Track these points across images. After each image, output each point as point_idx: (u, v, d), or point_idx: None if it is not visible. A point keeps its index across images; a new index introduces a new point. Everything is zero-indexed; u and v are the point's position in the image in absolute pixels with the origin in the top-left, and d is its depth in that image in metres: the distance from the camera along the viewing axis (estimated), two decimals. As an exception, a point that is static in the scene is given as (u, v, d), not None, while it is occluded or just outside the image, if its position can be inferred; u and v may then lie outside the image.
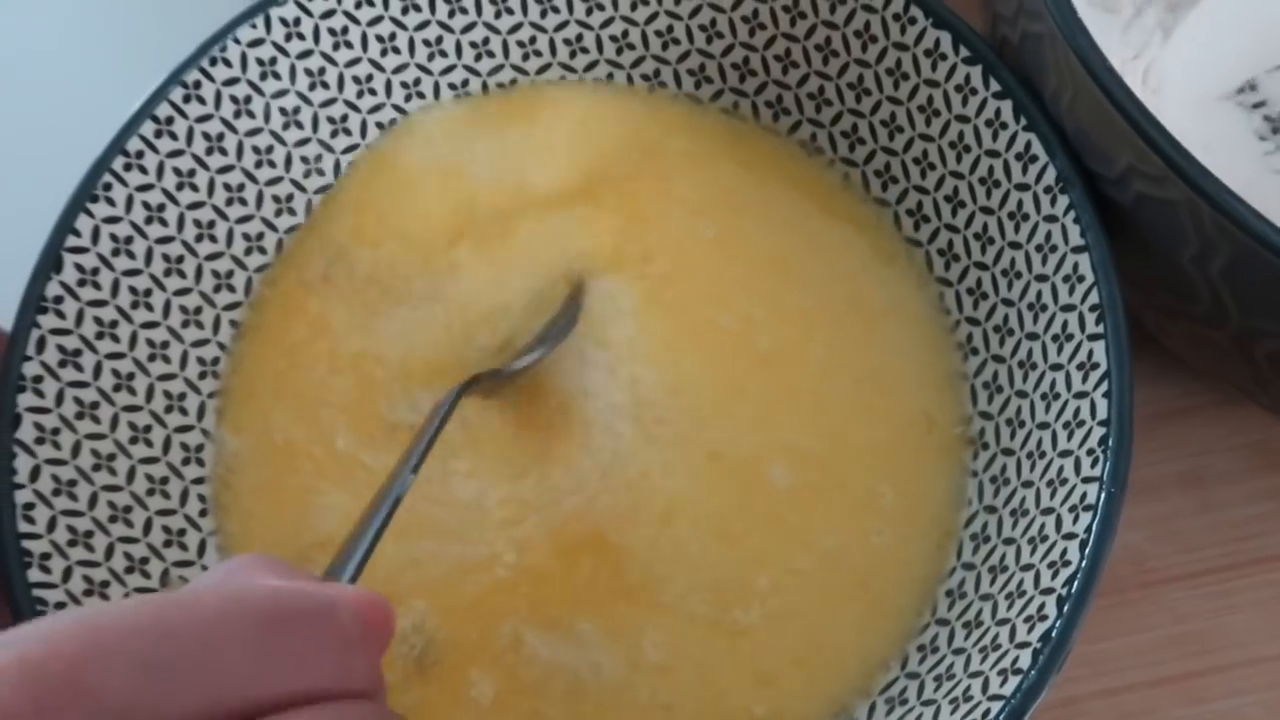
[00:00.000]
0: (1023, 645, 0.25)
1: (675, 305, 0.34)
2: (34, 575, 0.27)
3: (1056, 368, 0.28)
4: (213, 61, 0.33)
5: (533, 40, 0.37)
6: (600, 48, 0.38)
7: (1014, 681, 0.24)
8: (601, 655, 0.29)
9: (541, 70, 0.38)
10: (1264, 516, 0.35)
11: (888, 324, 0.33)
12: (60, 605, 0.27)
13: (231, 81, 0.34)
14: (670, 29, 0.37)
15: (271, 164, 0.36)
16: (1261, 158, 0.35)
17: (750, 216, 0.35)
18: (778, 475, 0.30)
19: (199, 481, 0.33)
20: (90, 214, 0.31)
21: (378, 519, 0.22)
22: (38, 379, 0.30)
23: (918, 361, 0.32)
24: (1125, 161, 0.26)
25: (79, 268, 0.31)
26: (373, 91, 0.37)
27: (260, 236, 0.36)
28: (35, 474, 0.29)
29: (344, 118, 0.37)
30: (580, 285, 0.34)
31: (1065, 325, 0.28)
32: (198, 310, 0.34)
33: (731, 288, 0.34)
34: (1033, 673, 0.24)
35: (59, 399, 0.30)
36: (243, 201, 0.35)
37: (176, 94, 0.33)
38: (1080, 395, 0.27)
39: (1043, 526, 0.27)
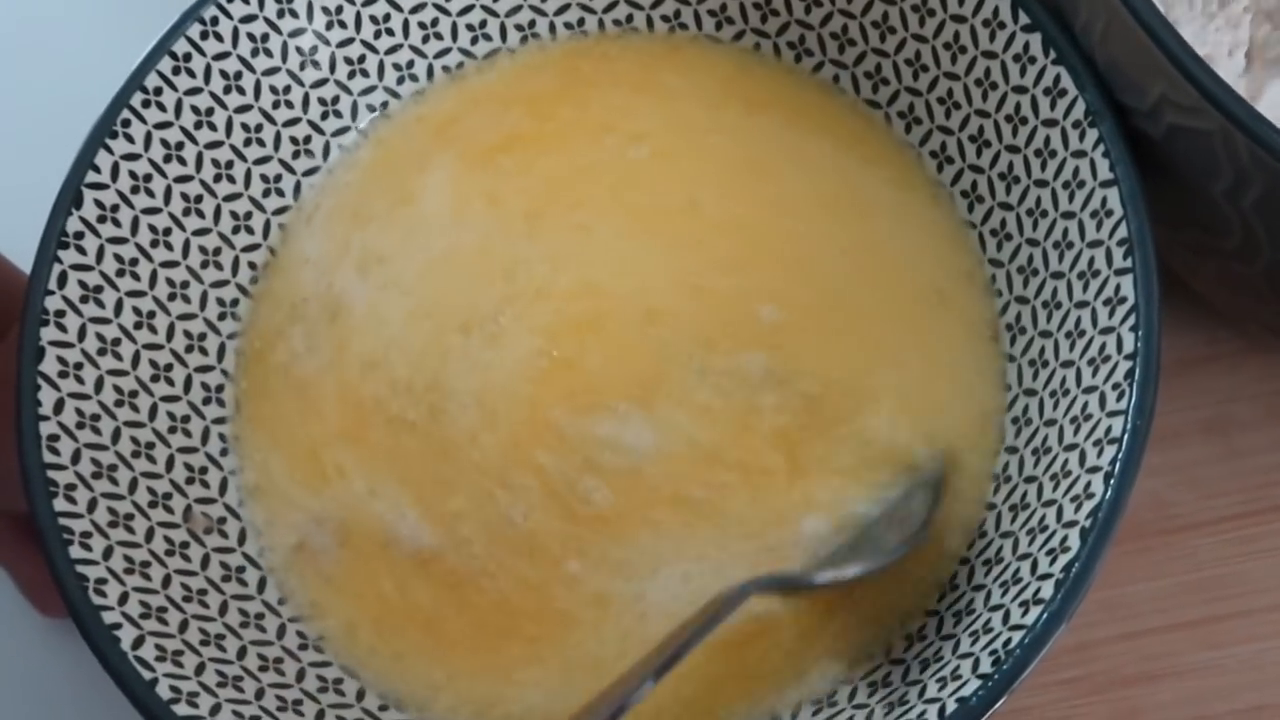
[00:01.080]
0: (1045, 577, 0.25)
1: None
2: (60, 505, 0.27)
3: (1082, 305, 0.28)
4: (230, -2, 0.33)
5: (552, -20, 0.37)
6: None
7: (1035, 611, 0.24)
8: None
9: (560, 10, 0.38)
10: (1288, 463, 0.35)
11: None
12: (86, 535, 0.27)
13: (248, 19, 0.34)
14: (692, -32, 0.36)
15: (289, 104, 0.36)
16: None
17: (778, 159, 0.35)
18: (766, 313, 0.31)
19: (220, 421, 0.33)
20: (109, 150, 0.31)
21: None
22: (60, 313, 0.30)
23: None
24: (1158, 92, 0.26)
25: (99, 204, 0.31)
26: (390, 33, 0.37)
27: (278, 179, 0.36)
28: (59, 406, 0.29)
29: (361, 59, 0.37)
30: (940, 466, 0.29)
31: (1092, 261, 0.28)
32: (217, 251, 0.34)
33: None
34: (1056, 601, 0.23)
35: (81, 334, 0.30)
36: (260, 143, 0.35)
37: (194, 30, 0.33)
38: (1106, 331, 0.27)
39: (1066, 463, 0.27)
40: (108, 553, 0.27)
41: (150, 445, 0.31)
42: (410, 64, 0.37)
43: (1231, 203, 0.25)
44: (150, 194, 0.32)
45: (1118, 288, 0.26)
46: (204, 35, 0.33)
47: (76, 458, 0.28)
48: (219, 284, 0.34)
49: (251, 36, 0.34)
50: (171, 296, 0.33)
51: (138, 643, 0.26)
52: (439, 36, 0.37)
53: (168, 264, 0.33)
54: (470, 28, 0.38)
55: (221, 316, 0.34)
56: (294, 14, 0.35)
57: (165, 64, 0.32)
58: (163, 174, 0.33)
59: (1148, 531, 0.35)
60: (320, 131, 0.37)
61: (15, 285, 0.39)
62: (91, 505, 0.28)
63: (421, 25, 0.37)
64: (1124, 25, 0.26)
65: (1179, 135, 0.26)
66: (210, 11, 0.33)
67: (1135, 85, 0.27)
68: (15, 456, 0.34)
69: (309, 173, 0.36)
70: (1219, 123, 0.24)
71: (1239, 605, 0.34)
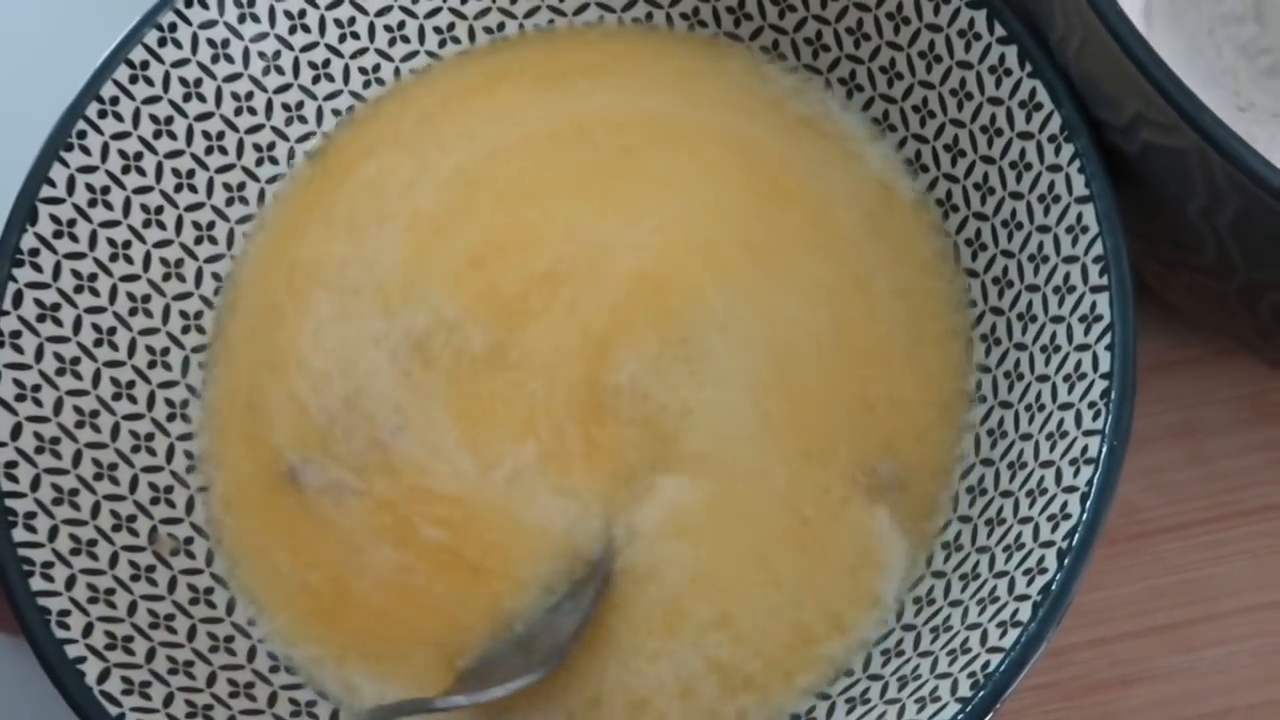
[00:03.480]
0: (1022, 598, 0.25)
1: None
2: (19, 535, 0.26)
3: (1057, 320, 0.28)
4: (188, 3, 0.32)
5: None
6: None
7: (1014, 633, 0.24)
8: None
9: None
10: (1255, 468, 0.35)
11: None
12: (47, 565, 0.27)
13: (208, 24, 0.33)
14: (664, -29, 0.36)
15: (252, 111, 0.35)
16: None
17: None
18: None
19: (185, 438, 0.33)
20: (65, 163, 0.30)
21: None
22: (15, 334, 0.29)
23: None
24: (1133, 109, 0.25)
25: (54, 219, 0.30)
26: (355, 36, 0.36)
27: (242, 187, 0.35)
28: (17, 431, 0.28)
29: (326, 63, 0.36)
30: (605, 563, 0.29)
31: (1067, 277, 0.28)
32: (179, 263, 0.34)
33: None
34: (1033, 625, 0.24)
35: (39, 354, 0.29)
36: (223, 150, 0.34)
37: (151, 37, 0.32)
38: (1082, 348, 0.27)
39: (1041, 479, 0.27)
40: (70, 582, 0.27)
41: (113, 466, 0.30)
42: (376, 68, 0.37)
43: (1206, 221, 0.25)
44: (109, 206, 0.32)
45: (1093, 305, 0.26)
46: (162, 42, 0.32)
47: (36, 484, 0.28)
48: (182, 296, 0.34)
49: (211, 42, 0.33)
50: (133, 311, 0.32)
51: (103, 676, 0.25)
52: (405, 40, 0.37)
53: (128, 278, 0.32)
54: (438, 30, 0.37)
55: (185, 330, 0.34)
56: (255, 19, 0.34)
57: (122, 72, 0.31)
58: (121, 186, 0.32)
59: (1118, 537, 0.35)
60: (284, 138, 0.36)
61: None
62: (53, 533, 0.27)
63: (388, 28, 0.36)
64: (1100, 41, 0.25)
65: (1154, 153, 0.26)
66: (168, 18, 0.32)
67: (1111, 101, 0.26)
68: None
69: (273, 180, 0.36)
70: (1194, 142, 0.24)
71: (1208, 609, 0.34)
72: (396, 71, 0.37)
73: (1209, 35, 0.37)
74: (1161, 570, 0.34)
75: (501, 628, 0.28)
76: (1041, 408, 0.28)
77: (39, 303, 0.29)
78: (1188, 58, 0.36)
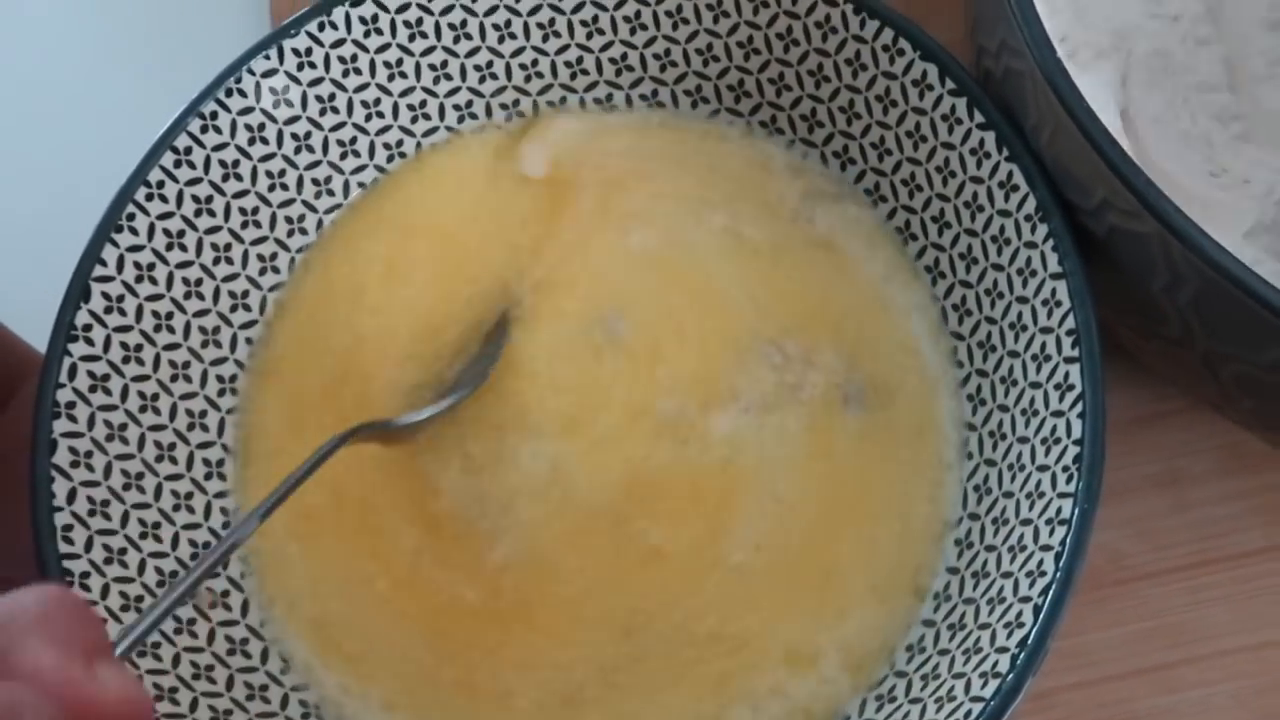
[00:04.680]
0: (1002, 650, 0.26)
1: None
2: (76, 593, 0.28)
3: (1035, 385, 0.30)
4: (228, 93, 0.35)
5: (535, 63, 0.39)
6: (600, 70, 0.39)
7: (994, 684, 0.26)
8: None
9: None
10: (1234, 516, 0.37)
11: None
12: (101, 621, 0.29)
13: (246, 111, 0.35)
14: (668, 52, 0.38)
15: (284, 186, 0.37)
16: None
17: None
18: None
19: (221, 495, 0.35)
20: (115, 244, 0.33)
21: (209, 559, 0.23)
22: (70, 405, 0.31)
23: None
24: (1100, 195, 0.28)
25: (105, 295, 0.33)
26: (380, 115, 0.38)
27: (274, 256, 0.37)
28: (72, 496, 0.30)
29: (353, 140, 0.38)
30: (504, 319, 0.35)
31: (1044, 346, 0.30)
32: (216, 330, 0.36)
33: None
34: (1010, 677, 0.25)
35: (90, 423, 0.32)
36: (257, 224, 0.37)
37: (194, 125, 0.34)
38: (1057, 414, 0.29)
39: (1022, 536, 0.29)
40: (121, 637, 0.29)
41: (156, 525, 0.32)
42: (399, 142, 0.39)
43: (1169, 298, 0.27)
44: (154, 281, 0.34)
45: (1067, 375, 0.28)
46: (204, 129, 0.34)
47: (89, 545, 0.30)
48: (218, 361, 0.36)
49: (249, 127, 0.36)
50: (174, 378, 0.34)
51: (154, 726, 0.28)
52: (426, 116, 0.39)
53: (170, 346, 0.34)
54: (457, 107, 0.39)
55: (221, 393, 0.36)
56: (289, 104, 0.36)
57: (167, 158, 0.34)
58: (165, 261, 0.34)
59: (1104, 582, 0.37)
60: (313, 209, 0.38)
61: (14, 355, 0.40)
62: (105, 591, 0.29)
63: (410, 107, 0.39)
64: (1068, 132, 0.28)
65: (1120, 235, 0.28)
66: (210, 106, 0.34)
67: (1080, 186, 0.29)
68: (16, 536, 0.36)
69: (302, 249, 0.38)
70: (1155, 228, 0.26)
71: (1190, 651, 0.36)
72: (418, 145, 0.39)
73: (1184, 103, 0.39)
74: (1145, 614, 0.36)
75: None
76: (1022, 468, 0.30)
77: (91, 374, 0.32)
78: (1163, 123, 0.38)
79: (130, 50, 0.46)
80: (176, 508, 0.33)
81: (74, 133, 0.44)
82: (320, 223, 0.38)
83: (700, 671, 0.31)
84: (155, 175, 0.34)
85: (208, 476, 0.35)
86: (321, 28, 0.36)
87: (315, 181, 0.38)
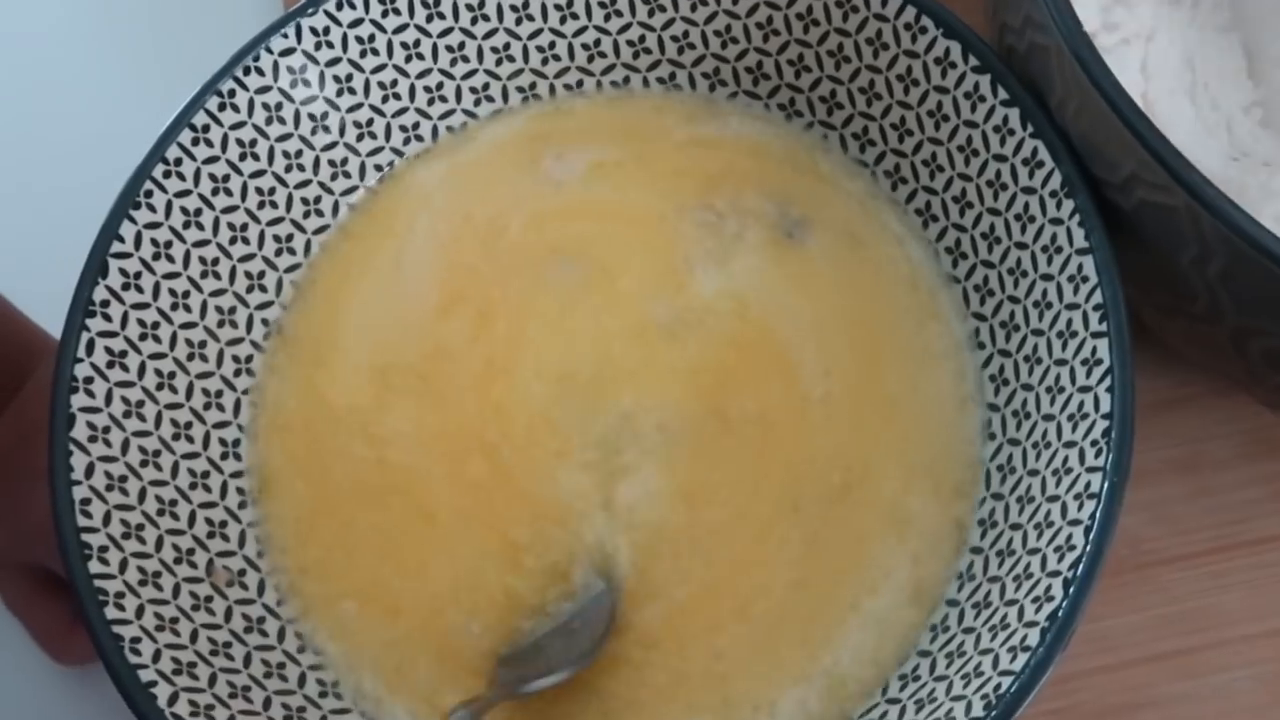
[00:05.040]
0: (1031, 624, 0.26)
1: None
2: (94, 567, 0.28)
3: (1061, 363, 0.30)
4: (246, 71, 0.35)
5: (552, 46, 0.39)
6: (617, 52, 0.39)
7: (1023, 657, 0.25)
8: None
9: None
10: (1256, 501, 0.37)
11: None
12: (119, 595, 0.28)
13: (264, 89, 0.35)
14: (686, 34, 0.38)
15: (301, 168, 0.37)
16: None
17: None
18: None
19: (237, 475, 0.35)
20: (133, 220, 0.33)
21: None
22: (89, 380, 0.31)
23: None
24: (1128, 169, 0.27)
25: (123, 272, 0.32)
26: (397, 96, 0.38)
27: (290, 238, 0.37)
28: (90, 470, 0.30)
29: (370, 122, 0.38)
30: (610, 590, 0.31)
31: (1070, 323, 0.30)
32: (232, 310, 0.36)
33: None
34: (1040, 650, 0.25)
35: (108, 399, 0.31)
36: (273, 205, 0.37)
37: (212, 103, 0.34)
38: (1084, 389, 0.28)
39: (1049, 513, 0.28)
40: (140, 611, 0.29)
41: (173, 502, 0.32)
42: (416, 125, 0.39)
43: (1197, 272, 0.27)
44: (170, 259, 0.34)
45: (1094, 350, 0.28)
46: (221, 107, 0.34)
47: (107, 519, 0.30)
48: (234, 342, 0.36)
49: (266, 106, 0.35)
50: (190, 356, 0.34)
51: (172, 699, 0.27)
52: (443, 99, 0.39)
53: (186, 325, 0.34)
54: (473, 90, 0.39)
55: (237, 373, 0.36)
56: (306, 83, 0.36)
57: (185, 135, 0.34)
58: (182, 240, 0.34)
59: (1125, 567, 0.36)
60: (330, 191, 0.38)
61: (28, 339, 0.40)
62: (123, 565, 0.29)
63: (427, 89, 0.39)
64: (1095, 106, 0.28)
65: (1148, 209, 0.28)
66: (228, 84, 0.34)
67: (1107, 160, 0.28)
68: (30, 515, 0.35)
69: (319, 231, 0.38)
70: (1185, 201, 0.26)
71: (1211, 637, 0.36)
72: (434, 129, 0.39)
73: (1204, 88, 0.39)
74: (1166, 600, 0.36)
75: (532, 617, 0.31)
76: (1048, 445, 0.30)
77: (108, 350, 0.32)
78: (1184, 109, 0.38)
79: (148, 28, 0.46)
80: (193, 486, 0.33)
81: (90, 113, 0.44)
82: (336, 206, 0.38)
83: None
84: (173, 152, 0.33)
85: (224, 456, 0.34)
86: (339, 6, 0.36)
87: (331, 164, 0.38)
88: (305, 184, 0.37)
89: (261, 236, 0.36)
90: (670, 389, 0.34)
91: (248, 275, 0.36)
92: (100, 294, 0.32)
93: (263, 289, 0.37)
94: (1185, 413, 0.38)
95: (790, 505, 0.32)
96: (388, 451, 0.35)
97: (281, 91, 0.36)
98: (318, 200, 0.38)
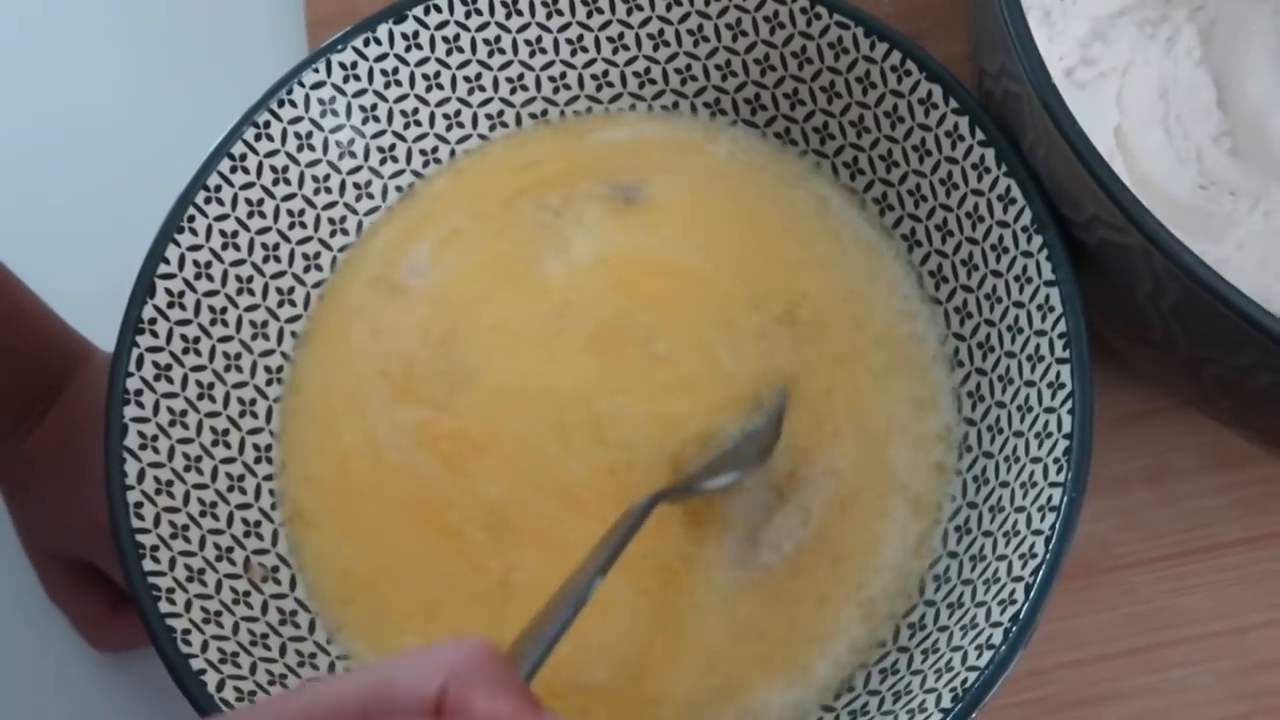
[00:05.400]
0: (996, 624, 0.29)
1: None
2: (148, 565, 0.31)
3: (1030, 384, 0.33)
4: (280, 103, 0.37)
5: (563, 76, 0.41)
6: (624, 82, 0.41)
7: (988, 655, 0.28)
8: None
9: (570, 101, 0.42)
10: (1217, 508, 0.40)
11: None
12: (170, 591, 0.31)
13: (296, 120, 0.38)
14: (689, 66, 0.41)
15: (328, 190, 0.40)
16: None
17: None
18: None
19: (269, 478, 0.37)
20: (177, 243, 0.35)
21: (562, 617, 0.24)
22: (139, 392, 0.34)
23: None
24: (1091, 210, 0.30)
25: (168, 291, 0.35)
26: (418, 123, 0.41)
27: (317, 255, 0.40)
28: (141, 476, 0.33)
29: (392, 147, 0.41)
30: (782, 400, 0.36)
31: (1038, 348, 0.32)
32: (264, 324, 0.38)
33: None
34: (1003, 648, 0.28)
35: (155, 409, 0.34)
36: (303, 224, 0.39)
37: (249, 133, 0.37)
38: (1049, 410, 0.31)
39: (1015, 523, 0.31)
40: (188, 605, 0.32)
41: (213, 504, 0.35)
42: (435, 149, 0.42)
43: (1153, 305, 0.30)
44: (210, 279, 0.37)
45: (1058, 374, 0.31)
46: (258, 137, 0.37)
47: (157, 521, 0.32)
48: (266, 353, 0.38)
49: (298, 135, 0.38)
50: (228, 368, 0.37)
51: (220, 686, 0.30)
52: (460, 125, 0.42)
53: (224, 339, 0.37)
54: (489, 116, 0.42)
55: (269, 382, 0.38)
56: (335, 113, 0.39)
57: (224, 164, 0.36)
58: (220, 260, 0.37)
59: (1094, 570, 0.39)
60: (354, 211, 0.41)
61: (70, 345, 0.42)
62: (171, 563, 0.32)
63: (445, 117, 0.41)
64: (1063, 152, 0.30)
65: (1109, 247, 0.30)
66: (264, 116, 0.37)
67: (1073, 201, 0.31)
68: (74, 510, 0.38)
69: (343, 249, 0.41)
70: (1140, 242, 0.28)
71: (1173, 635, 0.38)
72: (452, 151, 0.42)
73: (1176, 120, 0.41)
74: (1132, 600, 0.39)
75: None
76: (1017, 459, 0.33)
77: (155, 364, 0.34)
78: (1156, 140, 0.41)
79: (176, 71, 0.49)
80: (230, 489, 0.36)
81: (129, 145, 0.47)
82: (360, 225, 0.41)
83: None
84: (213, 180, 0.36)
85: (257, 460, 0.37)
86: (366, 43, 0.38)
87: (356, 185, 0.40)
88: (332, 205, 0.40)
89: (292, 254, 0.39)
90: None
91: (279, 291, 0.39)
92: (148, 312, 0.34)
93: (292, 303, 0.39)
94: (1152, 425, 0.41)
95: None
96: (403, 444, 0.37)
97: (312, 121, 0.38)
98: (343, 220, 0.40)
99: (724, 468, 0.34)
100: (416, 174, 0.42)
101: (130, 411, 0.33)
